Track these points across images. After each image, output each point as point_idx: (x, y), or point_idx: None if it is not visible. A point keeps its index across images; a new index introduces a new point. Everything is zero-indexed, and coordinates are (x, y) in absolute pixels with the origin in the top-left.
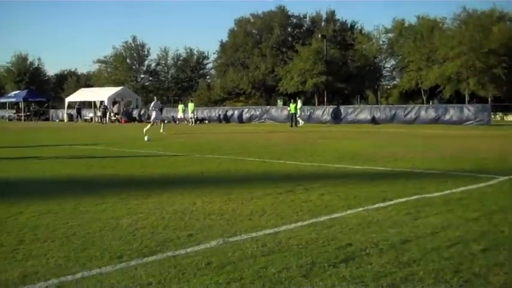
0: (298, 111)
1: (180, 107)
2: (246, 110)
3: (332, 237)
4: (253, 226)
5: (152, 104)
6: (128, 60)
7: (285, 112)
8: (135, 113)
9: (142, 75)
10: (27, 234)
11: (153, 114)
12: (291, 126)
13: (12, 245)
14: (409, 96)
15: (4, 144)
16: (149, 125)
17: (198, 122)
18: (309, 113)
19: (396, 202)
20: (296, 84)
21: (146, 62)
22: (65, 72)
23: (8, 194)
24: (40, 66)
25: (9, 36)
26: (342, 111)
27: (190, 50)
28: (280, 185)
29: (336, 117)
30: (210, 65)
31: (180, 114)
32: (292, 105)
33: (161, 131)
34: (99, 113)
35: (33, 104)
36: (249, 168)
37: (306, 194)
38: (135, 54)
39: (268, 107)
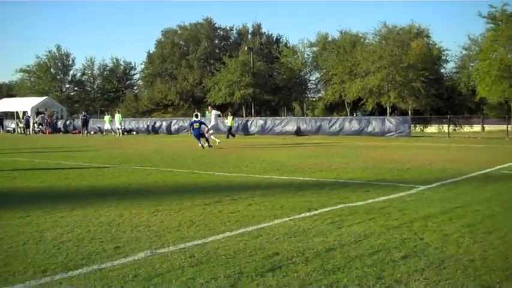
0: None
1: (107, 117)
2: (174, 122)
3: (259, 246)
4: (182, 237)
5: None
6: (52, 70)
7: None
8: (60, 124)
9: (67, 85)
10: None
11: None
12: (227, 137)
13: None
14: (334, 108)
15: None
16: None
17: (125, 133)
18: (236, 125)
19: (321, 211)
20: (224, 96)
21: (71, 72)
22: None
23: None
24: None
25: None
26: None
27: (117, 60)
28: (209, 196)
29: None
30: (137, 76)
31: (107, 125)
32: (230, 118)
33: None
34: (21, 124)
35: None
36: (177, 179)
37: (234, 205)
38: (59, 64)
39: None
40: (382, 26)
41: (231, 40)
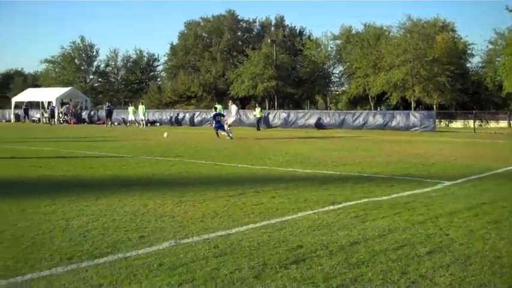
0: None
1: (131, 109)
2: (197, 113)
3: (283, 239)
4: (205, 228)
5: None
6: (76, 61)
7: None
8: (84, 114)
9: (91, 76)
10: None
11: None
12: (258, 129)
13: None
14: (357, 102)
15: None
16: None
17: (149, 125)
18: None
19: (345, 205)
20: (247, 88)
21: (95, 63)
22: (11, 72)
23: None
24: None
25: None
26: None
27: (140, 51)
28: (232, 188)
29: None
30: (160, 68)
31: (131, 116)
32: (258, 110)
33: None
34: (46, 114)
35: None
36: (200, 170)
37: (257, 197)
38: (83, 55)
39: None
40: (407, 19)
41: (253, 32)
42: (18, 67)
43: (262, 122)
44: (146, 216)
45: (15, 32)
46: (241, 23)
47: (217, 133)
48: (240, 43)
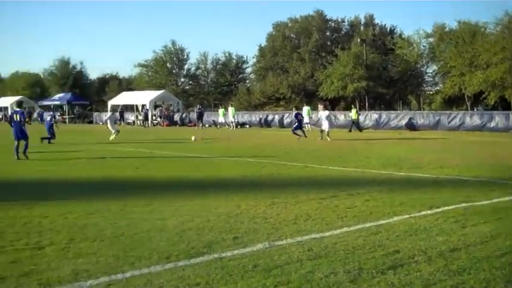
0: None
1: (221, 111)
2: (286, 115)
3: (379, 243)
4: (298, 230)
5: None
6: (168, 64)
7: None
8: (176, 117)
9: (182, 79)
10: (77, 233)
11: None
12: (360, 130)
13: (63, 243)
14: (453, 102)
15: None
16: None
17: (238, 127)
18: (350, 118)
19: (443, 210)
20: (337, 89)
21: (186, 66)
22: (107, 76)
23: (57, 194)
24: (82, 69)
25: (52, 40)
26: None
27: (229, 54)
28: (324, 190)
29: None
30: (249, 70)
31: (221, 119)
32: (354, 111)
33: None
34: (140, 117)
35: (76, 107)
36: (291, 172)
37: (351, 200)
38: (174, 59)
39: None
40: (505, 15)
41: (342, 32)
42: (114, 71)
43: (356, 125)
44: (239, 218)
45: (111, 37)
46: (329, 22)
47: (303, 135)
48: (328, 43)
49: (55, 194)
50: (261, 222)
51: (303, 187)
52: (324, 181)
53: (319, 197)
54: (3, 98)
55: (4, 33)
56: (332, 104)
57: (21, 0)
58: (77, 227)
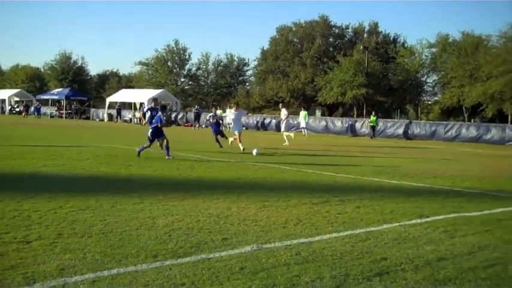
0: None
1: (219, 112)
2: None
3: (367, 250)
4: (288, 234)
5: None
6: (169, 64)
7: (323, 123)
8: (174, 116)
9: (182, 79)
10: (65, 229)
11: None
12: (371, 138)
13: (51, 238)
14: (450, 112)
15: (50, 142)
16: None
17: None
18: (347, 125)
19: (433, 219)
20: (336, 95)
21: (187, 66)
22: (107, 73)
23: (48, 189)
24: (83, 65)
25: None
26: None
27: (231, 56)
28: (316, 195)
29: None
30: (249, 72)
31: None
32: (373, 118)
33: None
34: (138, 114)
35: (74, 103)
36: (285, 176)
37: (342, 206)
38: (176, 58)
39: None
40: (509, 28)
41: (346, 38)
42: (114, 68)
43: (348, 130)
44: (229, 219)
45: (111, 33)
46: (333, 28)
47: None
48: (331, 49)
49: (44, 190)
50: (250, 224)
51: (295, 191)
52: (317, 186)
53: (310, 202)
54: (1, 91)
55: (7, 25)
56: (330, 110)
57: None
58: (66, 222)
